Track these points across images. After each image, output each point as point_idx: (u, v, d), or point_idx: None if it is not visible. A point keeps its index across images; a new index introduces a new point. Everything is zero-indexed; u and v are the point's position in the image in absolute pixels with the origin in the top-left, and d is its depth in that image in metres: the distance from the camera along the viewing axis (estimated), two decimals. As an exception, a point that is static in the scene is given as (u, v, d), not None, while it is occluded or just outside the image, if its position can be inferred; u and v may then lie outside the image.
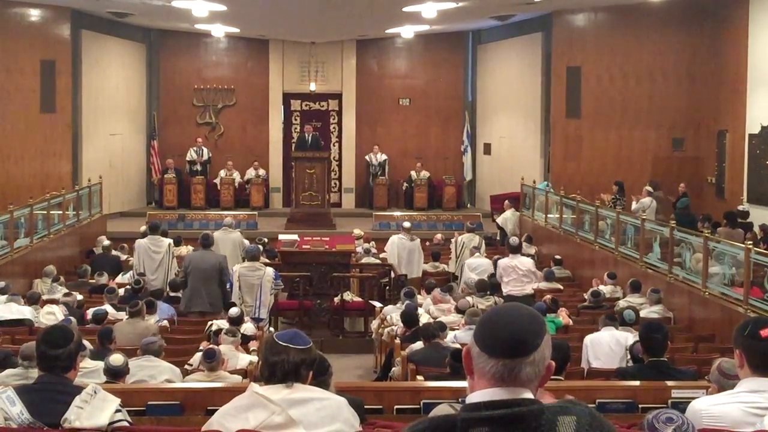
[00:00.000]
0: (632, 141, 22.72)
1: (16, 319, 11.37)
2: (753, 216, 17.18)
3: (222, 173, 24.84)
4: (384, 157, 25.13)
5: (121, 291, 13.19)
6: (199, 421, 5.41)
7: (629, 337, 9.28)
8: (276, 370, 4.02)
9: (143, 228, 16.64)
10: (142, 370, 7.89)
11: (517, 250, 14.80)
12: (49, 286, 14.03)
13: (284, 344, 4.05)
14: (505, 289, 13.98)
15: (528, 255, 16.22)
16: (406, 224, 18.04)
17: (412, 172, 25.21)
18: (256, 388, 4.04)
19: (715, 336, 11.43)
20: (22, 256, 15.63)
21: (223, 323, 10.74)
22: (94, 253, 17.78)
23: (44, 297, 12.80)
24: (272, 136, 25.70)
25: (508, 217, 20.50)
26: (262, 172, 25.13)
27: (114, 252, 17.45)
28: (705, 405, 4.13)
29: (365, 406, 5.92)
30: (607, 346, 9.41)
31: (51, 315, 11.50)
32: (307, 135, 23.60)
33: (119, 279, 15.26)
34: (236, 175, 24.89)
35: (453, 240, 18.20)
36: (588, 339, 9.64)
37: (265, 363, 4.08)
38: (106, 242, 17.89)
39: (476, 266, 15.95)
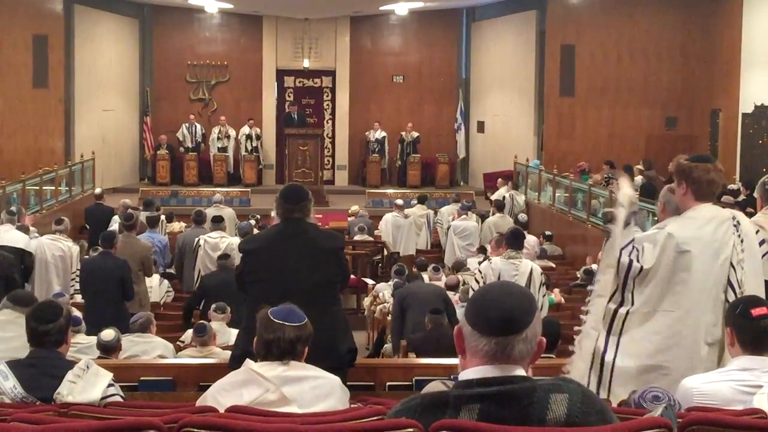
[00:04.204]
0: (626, 119, 22.73)
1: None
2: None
3: (216, 131, 24.63)
4: (383, 134, 24.98)
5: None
6: (191, 397, 5.42)
7: None
8: (272, 347, 4.05)
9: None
10: (135, 346, 7.89)
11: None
12: None
13: (279, 322, 4.08)
14: None
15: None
16: (399, 201, 18.07)
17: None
18: (251, 364, 4.08)
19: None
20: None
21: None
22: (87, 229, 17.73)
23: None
24: (265, 113, 25.58)
25: (502, 194, 20.51)
26: (257, 130, 24.87)
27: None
28: (696, 383, 4.14)
29: (357, 383, 5.94)
30: None
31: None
32: (293, 114, 23.55)
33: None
34: (232, 132, 24.65)
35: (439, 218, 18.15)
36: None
37: (261, 341, 4.11)
38: (98, 190, 17.64)
39: (462, 229, 15.94)
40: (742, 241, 4.82)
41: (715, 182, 4.92)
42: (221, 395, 4.04)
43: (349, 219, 18.12)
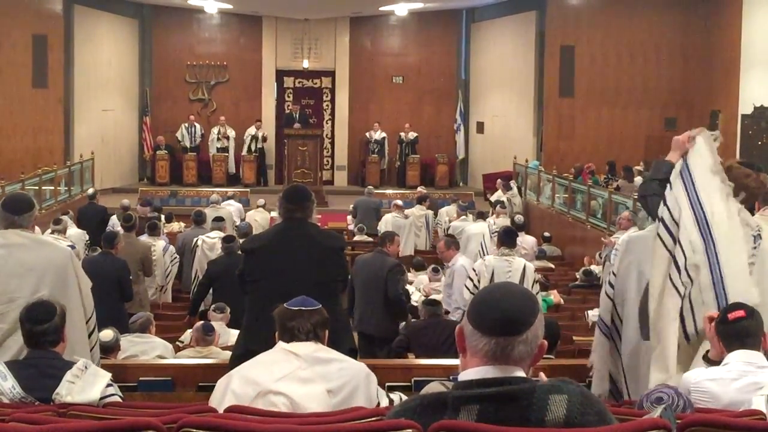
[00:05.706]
0: (625, 120, 22.73)
1: None
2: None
3: (215, 131, 24.63)
4: (383, 134, 25.00)
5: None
6: (190, 398, 5.42)
7: None
8: (296, 331, 4.20)
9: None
10: (134, 346, 7.88)
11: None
12: None
13: (297, 308, 4.25)
14: None
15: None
16: (399, 202, 18.03)
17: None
18: (283, 345, 4.21)
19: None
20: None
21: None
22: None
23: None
24: (265, 113, 25.57)
25: (500, 196, 20.45)
26: (263, 132, 24.71)
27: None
28: (695, 379, 4.19)
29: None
30: None
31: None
32: (294, 113, 23.53)
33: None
34: (231, 132, 24.63)
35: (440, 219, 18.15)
36: None
37: (284, 330, 4.24)
38: (91, 191, 17.67)
39: (461, 230, 15.93)
40: (755, 254, 4.82)
41: (749, 188, 5.03)
42: (251, 371, 4.17)
43: (348, 218, 18.19)
